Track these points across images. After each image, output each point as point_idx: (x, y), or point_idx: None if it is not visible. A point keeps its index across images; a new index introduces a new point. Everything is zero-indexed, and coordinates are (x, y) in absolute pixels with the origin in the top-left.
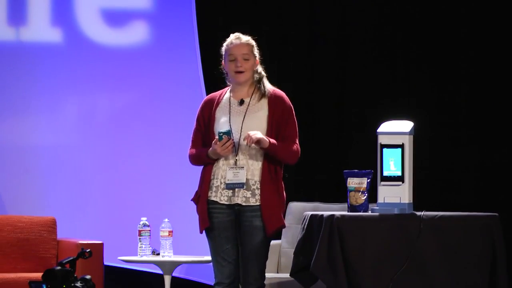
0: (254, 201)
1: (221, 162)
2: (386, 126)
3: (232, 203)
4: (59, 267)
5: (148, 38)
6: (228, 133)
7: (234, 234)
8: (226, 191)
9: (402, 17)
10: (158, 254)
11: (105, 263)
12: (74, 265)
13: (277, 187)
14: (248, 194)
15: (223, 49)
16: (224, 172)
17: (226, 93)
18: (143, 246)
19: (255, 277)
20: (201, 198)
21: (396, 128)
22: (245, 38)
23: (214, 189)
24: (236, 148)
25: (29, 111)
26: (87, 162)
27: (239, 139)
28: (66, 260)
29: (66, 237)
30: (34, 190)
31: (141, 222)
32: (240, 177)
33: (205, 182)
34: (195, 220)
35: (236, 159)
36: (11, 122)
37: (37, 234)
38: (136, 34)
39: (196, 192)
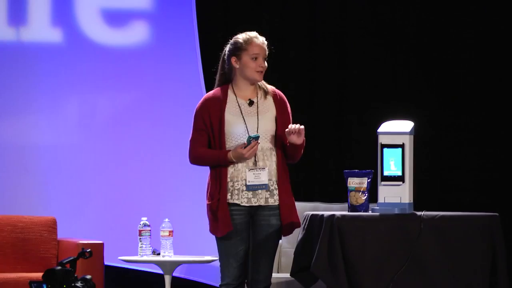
0: (273, 201)
1: (240, 164)
2: (386, 126)
3: (253, 204)
4: (59, 267)
5: (148, 38)
6: (258, 138)
7: (248, 235)
8: (246, 193)
9: (402, 17)
10: (159, 254)
11: (106, 263)
12: (74, 265)
13: (290, 186)
14: (267, 194)
15: (237, 44)
16: (244, 174)
17: (228, 93)
18: (144, 246)
19: (266, 276)
20: (221, 201)
21: (396, 128)
22: (263, 38)
23: (235, 192)
24: None
25: (29, 111)
26: (87, 162)
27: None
28: (67, 260)
29: (66, 237)
30: (34, 190)
31: (142, 222)
32: (262, 178)
33: (223, 184)
34: (195, 220)
35: (256, 160)
36: (11, 122)
37: (37, 234)
38: (136, 34)
39: (211, 194)
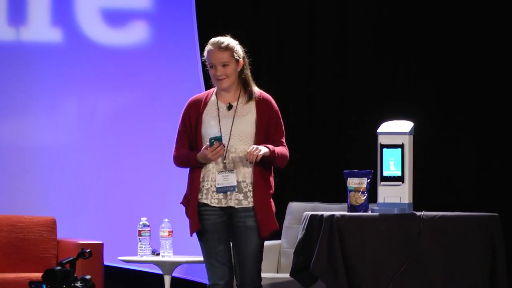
0: (247, 203)
1: (211, 165)
2: (386, 126)
3: (224, 205)
4: (59, 267)
5: (148, 38)
6: (219, 139)
7: (227, 235)
8: (217, 194)
9: (402, 17)
10: (158, 254)
11: (105, 263)
12: (74, 265)
13: (269, 189)
14: (240, 196)
15: (204, 53)
16: (214, 175)
17: (212, 96)
18: (143, 246)
19: (253, 278)
20: (192, 201)
21: (396, 128)
22: (224, 43)
23: (204, 191)
24: (225, 152)
25: (29, 111)
26: (87, 162)
27: (228, 143)
28: (66, 260)
29: (66, 237)
30: (34, 190)
31: (141, 222)
32: (231, 181)
33: (195, 184)
34: None
35: (225, 163)
36: (11, 122)
37: (37, 234)
38: (136, 34)
39: (185, 195)
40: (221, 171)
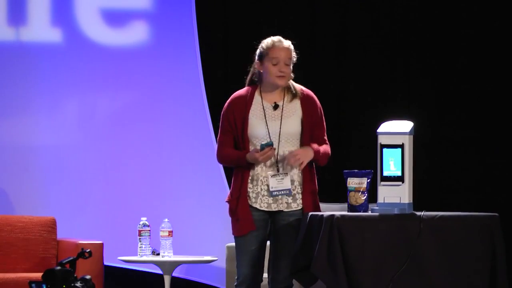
0: (296, 205)
1: (259, 168)
2: (386, 126)
3: (273, 210)
4: (59, 267)
5: (148, 38)
6: (271, 145)
7: (265, 235)
8: (266, 198)
9: (402, 17)
10: (158, 254)
11: (105, 263)
12: (74, 265)
13: (315, 187)
14: (289, 199)
15: (261, 49)
16: (264, 178)
17: (255, 95)
18: (143, 246)
19: (285, 276)
20: (241, 200)
21: (396, 128)
22: (287, 43)
23: (254, 195)
24: (275, 154)
25: (29, 111)
26: (87, 162)
27: (278, 145)
28: (66, 260)
29: (66, 237)
30: (34, 190)
31: (141, 222)
32: (285, 184)
33: (244, 186)
34: (195, 220)
35: (278, 166)
36: (11, 122)
37: (37, 234)
38: (136, 34)
39: (231, 193)
40: (275, 175)
